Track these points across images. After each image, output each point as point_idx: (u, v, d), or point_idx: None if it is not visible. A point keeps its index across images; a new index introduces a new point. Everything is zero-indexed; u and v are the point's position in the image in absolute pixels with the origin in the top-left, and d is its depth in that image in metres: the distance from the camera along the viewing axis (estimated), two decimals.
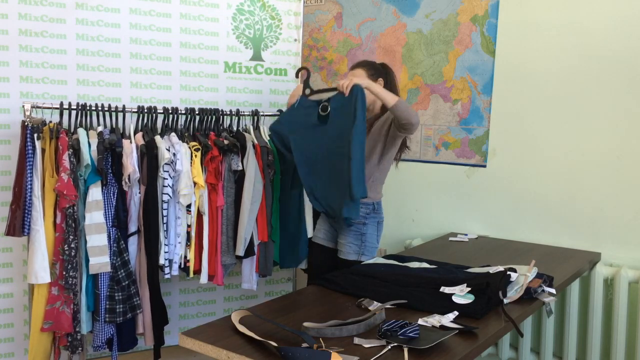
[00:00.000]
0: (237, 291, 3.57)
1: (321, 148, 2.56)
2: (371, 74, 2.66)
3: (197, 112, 2.97)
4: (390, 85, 2.70)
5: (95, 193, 2.57)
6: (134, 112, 2.86)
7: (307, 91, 2.67)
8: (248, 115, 3.15)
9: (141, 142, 2.73)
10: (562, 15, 2.88)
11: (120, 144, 2.66)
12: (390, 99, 2.44)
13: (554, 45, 2.91)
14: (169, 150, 2.71)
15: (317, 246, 2.84)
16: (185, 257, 2.84)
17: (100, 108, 2.78)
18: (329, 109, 2.56)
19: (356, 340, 1.65)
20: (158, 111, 2.90)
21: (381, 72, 2.71)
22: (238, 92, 3.45)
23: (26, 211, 2.51)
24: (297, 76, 2.65)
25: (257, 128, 3.11)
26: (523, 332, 2.91)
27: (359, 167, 2.41)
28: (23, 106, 2.63)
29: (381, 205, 2.73)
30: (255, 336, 1.63)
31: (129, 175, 2.64)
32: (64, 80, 3.03)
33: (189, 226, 2.81)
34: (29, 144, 2.52)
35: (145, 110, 2.86)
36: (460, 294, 1.97)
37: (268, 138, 3.06)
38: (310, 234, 3.00)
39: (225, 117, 3.09)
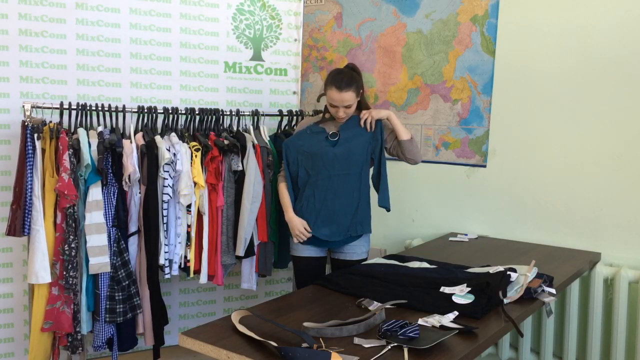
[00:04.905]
0: (237, 291, 3.57)
1: (326, 167, 2.57)
2: (357, 93, 2.56)
3: (197, 112, 2.98)
4: (362, 88, 2.62)
5: (95, 193, 2.57)
6: (134, 112, 2.86)
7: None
8: (248, 115, 3.15)
9: (141, 142, 2.73)
10: (562, 15, 2.88)
11: (121, 144, 2.66)
12: (405, 132, 2.56)
13: (554, 45, 2.91)
14: (169, 150, 2.72)
15: (306, 259, 2.67)
16: (185, 257, 2.84)
17: (100, 108, 2.78)
18: (339, 136, 2.60)
19: (356, 340, 1.65)
20: (158, 111, 2.90)
21: (359, 82, 2.59)
22: (238, 92, 3.45)
23: (26, 211, 2.51)
24: (318, 100, 2.68)
25: (257, 128, 3.11)
26: (523, 332, 2.91)
27: (385, 184, 2.62)
28: (23, 106, 2.63)
29: None
30: (255, 336, 1.63)
31: (129, 175, 2.64)
32: (64, 80, 3.03)
33: (189, 226, 2.81)
34: (29, 144, 2.52)
35: (145, 110, 2.86)
36: (460, 294, 1.97)
37: (268, 138, 3.06)
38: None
39: (225, 117, 3.09)
